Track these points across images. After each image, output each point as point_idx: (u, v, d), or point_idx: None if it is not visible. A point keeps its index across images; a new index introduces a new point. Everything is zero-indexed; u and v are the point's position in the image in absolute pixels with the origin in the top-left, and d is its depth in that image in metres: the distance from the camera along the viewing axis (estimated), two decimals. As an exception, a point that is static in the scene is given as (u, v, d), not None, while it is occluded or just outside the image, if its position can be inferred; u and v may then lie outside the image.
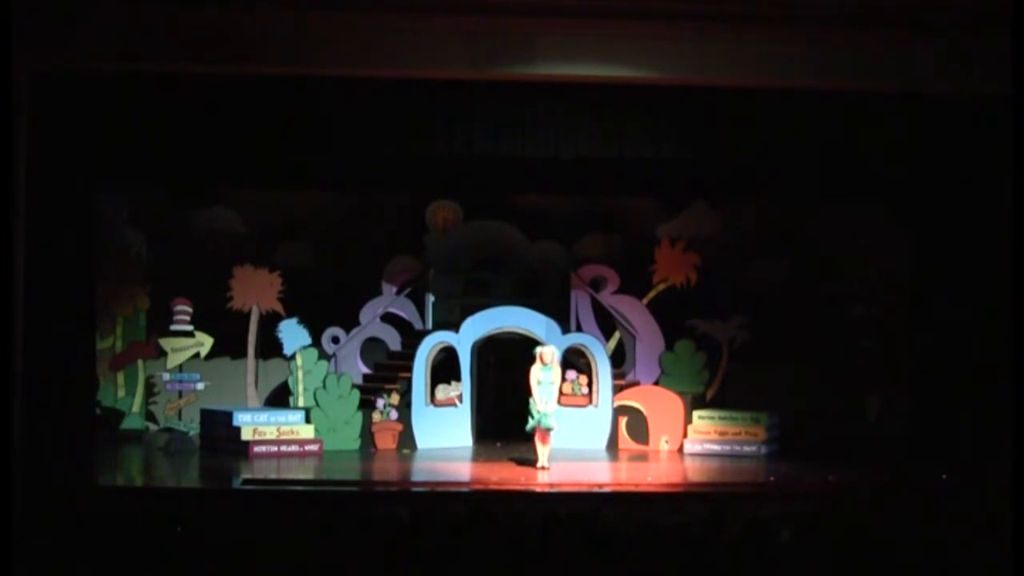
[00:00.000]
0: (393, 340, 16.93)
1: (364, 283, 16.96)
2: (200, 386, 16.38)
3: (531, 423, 14.25)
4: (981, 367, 13.90)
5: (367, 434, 15.86)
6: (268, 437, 15.26)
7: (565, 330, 16.44)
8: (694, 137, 14.15)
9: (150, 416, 16.82)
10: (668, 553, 8.17)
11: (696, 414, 16.06)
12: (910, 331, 15.93)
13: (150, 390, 16.85)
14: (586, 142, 14.15)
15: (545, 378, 14.27)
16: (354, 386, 15.92)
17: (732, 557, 8.24)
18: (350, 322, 16.77)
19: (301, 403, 16.06)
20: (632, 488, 13.39)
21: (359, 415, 15.82)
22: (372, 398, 15.93)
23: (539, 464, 14.21)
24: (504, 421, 15.99)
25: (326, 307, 16.63)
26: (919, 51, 13.20)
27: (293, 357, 16.29)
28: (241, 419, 15.43)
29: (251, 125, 13.80)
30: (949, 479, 13.32)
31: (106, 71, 13.01)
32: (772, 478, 14.03)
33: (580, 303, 17.06)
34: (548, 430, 14.27)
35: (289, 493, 13.06)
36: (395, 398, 15.95)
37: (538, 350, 14.49)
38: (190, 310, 16.37)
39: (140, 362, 16.83)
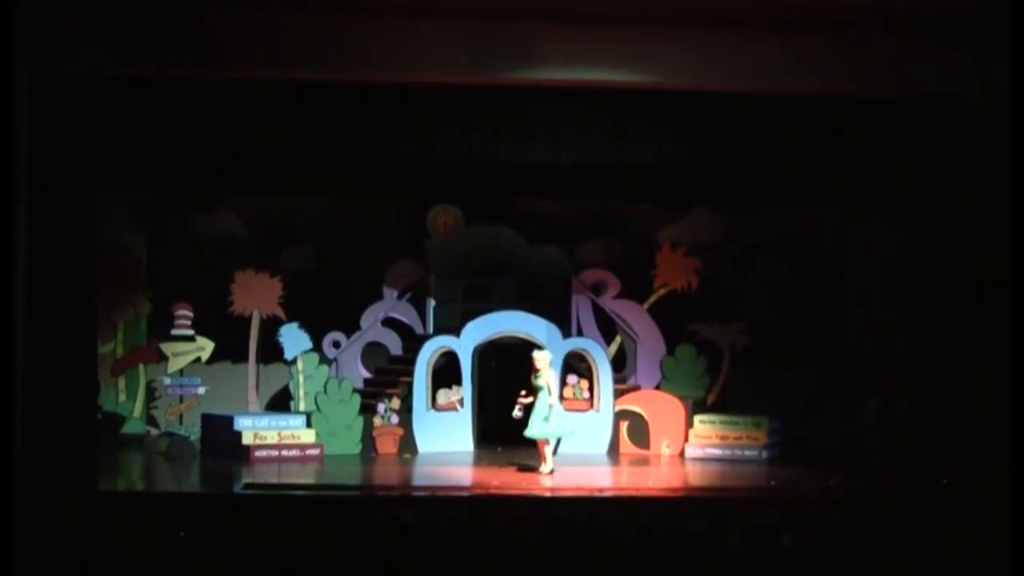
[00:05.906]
0: (394, 344, 16.92)
1: (365, 288, 16.94)
2: (201, 390, 16.38)
3: (535, 431, 14.19)
4: (981, 368, 13.89)
5: (368, 438, 15.83)
6: (269, 441, 15.24)
7: (566, 334, 16.42)
8: (695, 142, 14.16)
9: (151, 421, 16.79)
10: (669, 558, 8.17)
11: (697, 419, 16.02)
12: (910, 332, 15.92)
13: (151, 395, 16.82)
14: (587, 146, 14.16)
15: (539, 384, 14.21)
16: (355, 390, 15.90)
17: (733, 561, 8.24)
18: (351, 327, 16.76)
19: (302, 407, 16.05)
20: (633, 492, 13.37)
21: (360, 419, 15.79)
22: (373, 402, 15.90)
23: (545, 469, 14.18)
24: (505, 425, 15.96)
25: (327, 311, 16.61)
26: (919, 55, 13.23)
27: (294, 362, 16.29)
28: (242, 423, 15.41)
29: (252, 129, 13.82)
30: (949, 483, 13.30)
31: (107, 75, 13.03)
32: (773, 483, 13.99)
33: (581, 307, 17.03)
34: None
35: (290, 498, 13.03)
36: (396, 402, 15.93)
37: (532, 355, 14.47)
38: (191, 315, 16.38)
39: (141, 367, 16.79)
